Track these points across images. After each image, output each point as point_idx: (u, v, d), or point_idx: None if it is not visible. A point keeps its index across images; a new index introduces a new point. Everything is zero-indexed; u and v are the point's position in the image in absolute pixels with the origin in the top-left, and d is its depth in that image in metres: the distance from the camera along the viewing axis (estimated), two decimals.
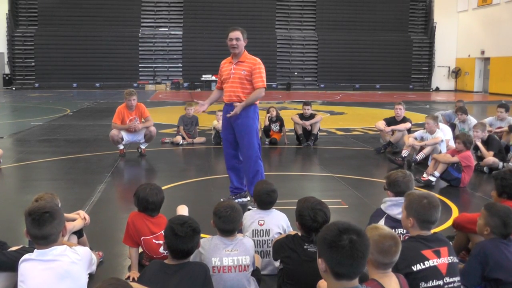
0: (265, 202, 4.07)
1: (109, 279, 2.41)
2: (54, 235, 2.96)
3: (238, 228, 3.57)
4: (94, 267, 3.19)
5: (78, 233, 4.06)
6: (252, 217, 4.06)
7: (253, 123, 5.79)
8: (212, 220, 3.55)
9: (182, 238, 2.99)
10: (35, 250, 2.97)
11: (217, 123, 10.22)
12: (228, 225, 3.48)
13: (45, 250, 2.93)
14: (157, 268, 3.03)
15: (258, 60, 5.79)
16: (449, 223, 5.32)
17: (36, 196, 3.82)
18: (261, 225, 3.97)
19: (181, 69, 32.80)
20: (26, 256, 2.97)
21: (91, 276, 3.14)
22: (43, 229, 2.91)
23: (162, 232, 3.85)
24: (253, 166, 5.72)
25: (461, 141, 7.07)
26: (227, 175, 6.10)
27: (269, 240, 3.93)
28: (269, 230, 3.95)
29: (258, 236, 3.95)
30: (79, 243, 3.98)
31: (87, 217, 4.12)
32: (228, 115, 5.69)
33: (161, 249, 3.94)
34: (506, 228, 3.33)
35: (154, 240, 3.94)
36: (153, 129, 9.02)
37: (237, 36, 5.64)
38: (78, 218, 4.05)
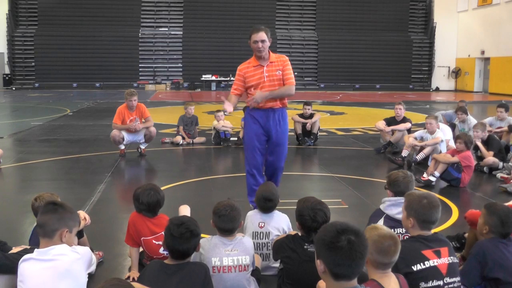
0: (263, 207, 4.05)
1: (111, 279, 2.41)
2: (51, 230, 2.93)
3: (237, 227, 3.56)
4: (93, 267, 3.19)
5: (79, 234, 4.04)
6: (253, 218, 4.05)
7: (287, 130, 5.52)
8: (211, 219, 3.56)
9: (178, 239, 2.99)
10: (35, 249, 2.97)
11: (217, 123, 10.22)
12: (228, 224, 3.48)
13: (44, 250, 2.92)
14: (157, 268, 3.03)
15: (286, 57, 5.43)
16: (449, 223, 5.33)
17: (36, 196, 3.83)
18: (261, 227, 3.96)
19: (181, 69, 32.80)
20: (26, 256, 2.96)
21: (90, 276, 3.14)
22: (41, 217, 2.98)
23: (163, 233, 3.87)
24: (281, 172, 5.58)
25: (462, 141, 7.07)
26: (226, 175, 6.06)
27: (269, 243, 3.93)
28: (268, 232, 3.94)
29: (257, 239, 3.94)
30: (79, 243, 3.97)
31: (88, 217, 4.10)
32: (248, 102, 5.19)
33: (161, 250, 3.94)
34: (504, 227, 3.34)
35: (154, 241, 3.94)
36: (153, 129, 9.02)
37: (262, 38, 5.13)
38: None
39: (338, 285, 2.28)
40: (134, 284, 2.93)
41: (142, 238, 3.95)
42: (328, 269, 2.28)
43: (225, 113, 5.32)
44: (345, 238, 2.25)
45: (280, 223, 4.04)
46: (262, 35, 5.14)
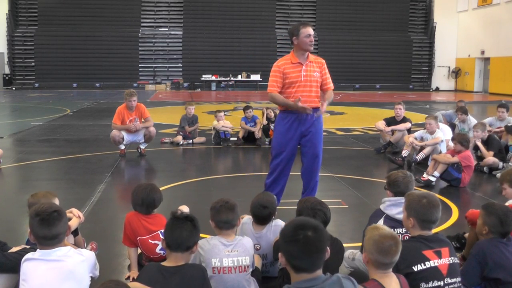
0: (258, 216, 3.87)
1: (108, 281, 2.41)
2: (62, 235, 2.95)
3: (235, 223, 3.52)
4: (97, 272, 3.17)
5: (74, 232, 4.02)
6: (249, 236, 3.82)
7: (322, 130, 5.33)
8: (210, 219, 3.53)
9: (178, 225, 2.98)
10: (38, 250, 2.95)
11: (217, 123, 10.22)
12: (226, 215, 3.43)
13: (49, 251, 2.91)
14: (154, 270, 2.99)
15: (323, 59, 5.27)
16: (449, 223, 5.33)
17: (32, 194, 3.80)
18: (257, 249, 3.83)
19: (181, 69, 32.79)
20: (29, 255, 2.95)
21: (92, 280, 3.12)
22: (53, 229, 2.88)
23: (159, 232, 3.86)
24: (316, 177, 5.33)
25: (457, 141, 7.08)
26: (226, 175, 6.02)
27: (267, 263, 3.87)
28: (266, 255, 3.86)
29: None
30: (75, 241, 3.96)
31: (81, 215, 4.05)
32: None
33: (158, 249, 3.93)
34: (503, 226, 3.33)
35: (150, 240, 3.94)
36: (152, 129, 9.01)
37: (313, 33, 5.01)
38: (73, 217, 4.00)
39: (299, 277, 2.38)
40: (134, 283, 2.93)
41: (138, 238, 3.94)
42: (288, 262, 2.39)
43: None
44: (302, 233, 2.36)
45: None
46: (312, 30, 5.03)
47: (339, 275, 2.47)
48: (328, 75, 5.24)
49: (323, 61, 5.25)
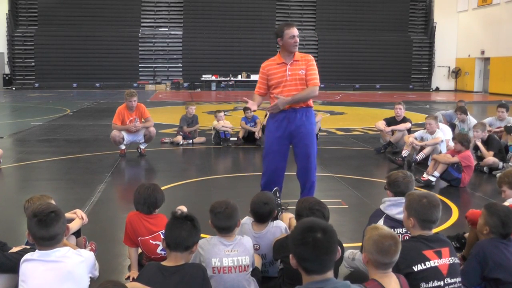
0: (259, 213, 3.85)
1: (105, 282, 2.41)
2: (60, 235, 2.95)
3: (235, 226, 3.51)
4: (96, 273, 3.17)
5: (76, 233, 4.02)
6: (248, 236, 3.80)
7: (314, 130, 5.32)
8: (209, 219, 3.54)
9: (177, 224, 2.98)
10: (37, 250, 2.95)
11: (217, 123, 10.22)
12: (224, 222, 3.44)
13: (48, 251, 2.91)
14: (154, 269, 2.99)
15: (311, 56, 5.24)
16: (449, 223, 5.33)
17: (27, 199, 3.80)
18: (256, 249, 3.82)
19: (181, 69, 32.80)
20: (28, 256, 2.95)
21: (91, 280, 3.12)
22: (50, 229, 2.88)
23: (160, 232, 3.86)
24: (312, 177, 5.26)
25: (457, 141, 7.09)
26: (226, 175, 6.02)
27: (266, 263, 3.87)
28: (265, 254, 3.85)
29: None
30: (77, 242, 3.96)
31: (85, 216, 4.06)
32: (269, 109, 4.97)
33: (159, 250, 3.93)
34: (504, 227, 3.33)
35: (151, 241, 3.94)
36: (152, 129, 9.01)
37: (298, 33, 5.03)
38: (76, 218, 4.00)
39: (310, 278, 2.40)
40: (133, 283, 2.93)
41: (140, 238, 3.94)
42: (298, 264, 2.39)
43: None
44: (310, 235, 2.36)
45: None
46: (296, 30, 5.04)
47: (348, 282, 2.49)
48: (313, 71, 5.12)
49: (311, 57, 5.21)
